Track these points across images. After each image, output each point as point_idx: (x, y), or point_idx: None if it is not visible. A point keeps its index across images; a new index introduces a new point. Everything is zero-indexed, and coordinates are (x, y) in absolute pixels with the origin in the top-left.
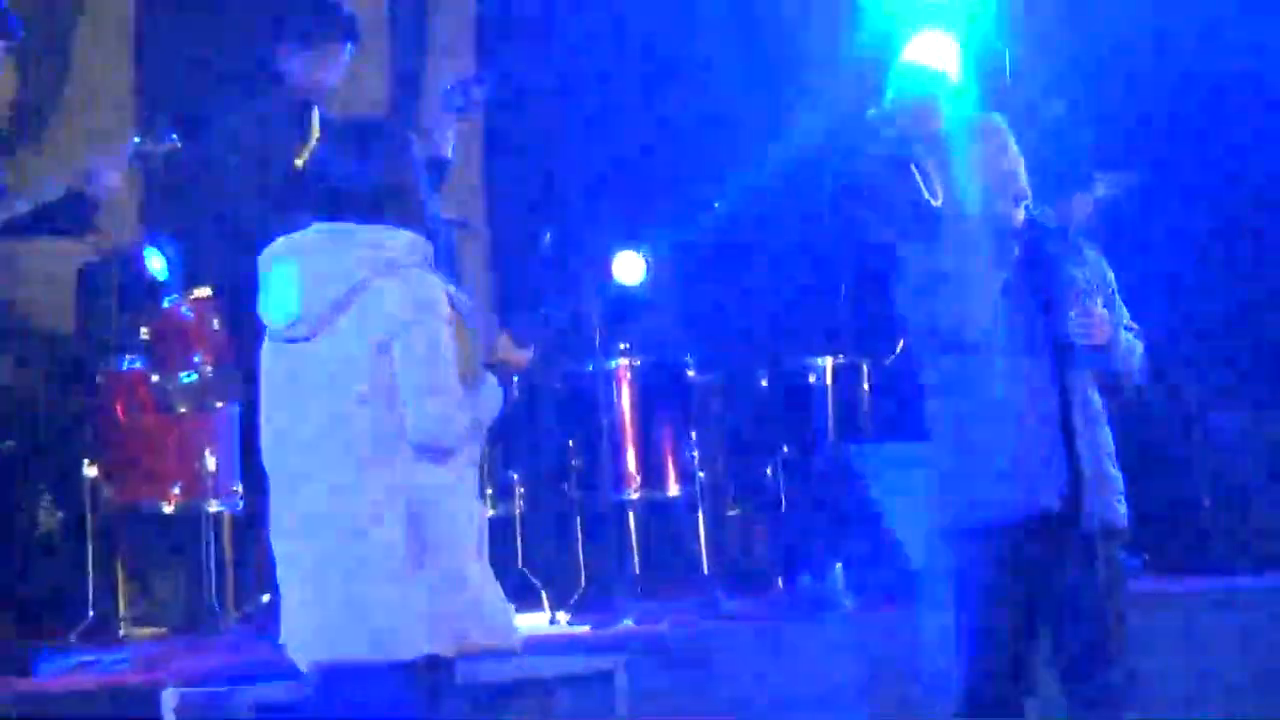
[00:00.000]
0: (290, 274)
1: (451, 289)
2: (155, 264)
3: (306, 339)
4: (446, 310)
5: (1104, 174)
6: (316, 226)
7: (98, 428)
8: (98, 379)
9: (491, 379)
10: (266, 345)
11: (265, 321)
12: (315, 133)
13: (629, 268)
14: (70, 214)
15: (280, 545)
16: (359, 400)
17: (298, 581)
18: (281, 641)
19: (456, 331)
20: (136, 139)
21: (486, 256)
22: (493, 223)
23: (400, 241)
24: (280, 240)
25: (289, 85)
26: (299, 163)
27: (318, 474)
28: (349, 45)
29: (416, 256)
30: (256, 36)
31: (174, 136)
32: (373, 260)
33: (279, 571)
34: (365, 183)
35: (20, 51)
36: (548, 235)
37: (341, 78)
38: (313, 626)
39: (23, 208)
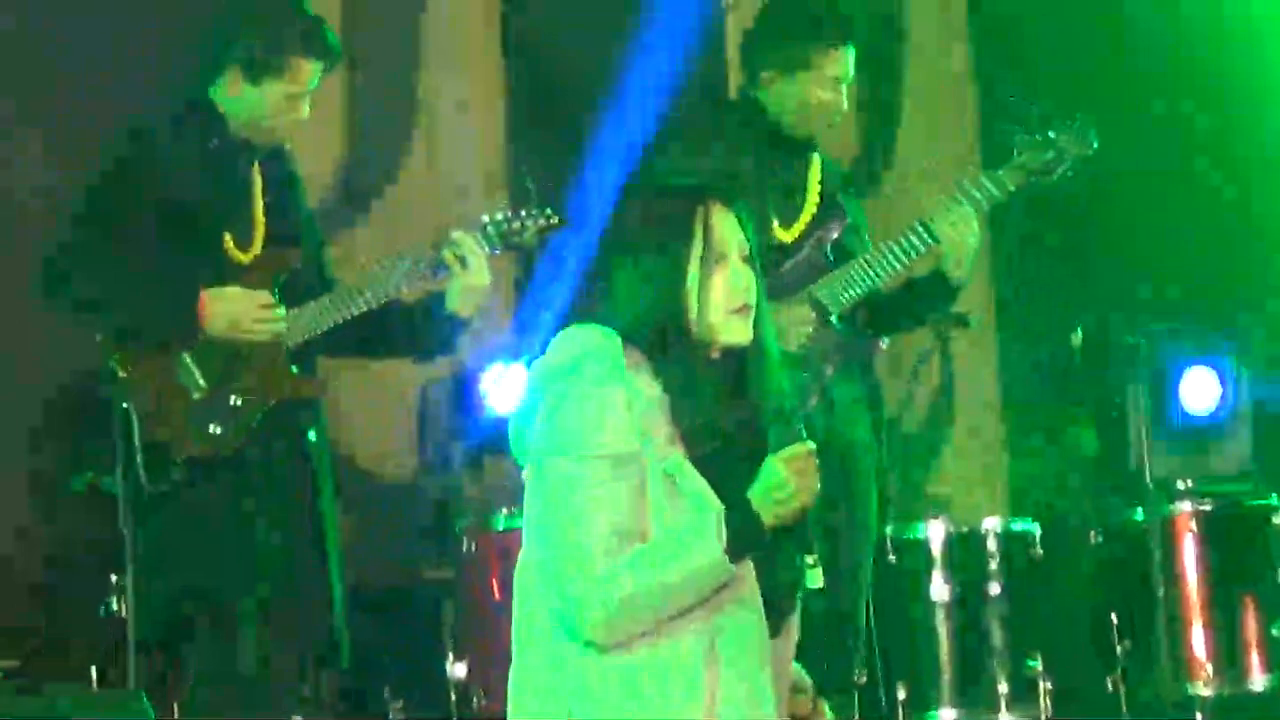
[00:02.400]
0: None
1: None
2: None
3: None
4: (612, 442)
5: None
6: None
7: (464, 608)
8: (464, 542)
9: (699, 527)
10: None
11: None
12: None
13: (1194, 384)
14: (426, 330)
15: None
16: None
17: None
18: None
19: (638, 471)
20: (500, 215)
21: (994, 360)
22: (1002, 315)
23: (582, 342)
24: None
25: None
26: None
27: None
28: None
29: (596, 365)
30: None
31: (550, 210)
32: (552, 365)
33: None
34: None
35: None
36: (1079, 334)
37: None
38: None
39: (360, 306)
